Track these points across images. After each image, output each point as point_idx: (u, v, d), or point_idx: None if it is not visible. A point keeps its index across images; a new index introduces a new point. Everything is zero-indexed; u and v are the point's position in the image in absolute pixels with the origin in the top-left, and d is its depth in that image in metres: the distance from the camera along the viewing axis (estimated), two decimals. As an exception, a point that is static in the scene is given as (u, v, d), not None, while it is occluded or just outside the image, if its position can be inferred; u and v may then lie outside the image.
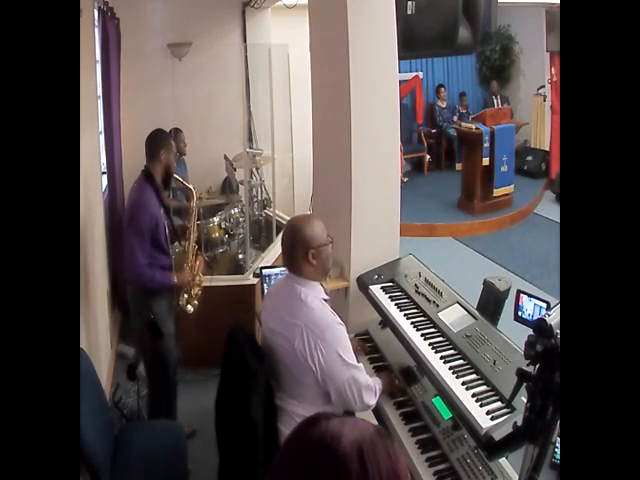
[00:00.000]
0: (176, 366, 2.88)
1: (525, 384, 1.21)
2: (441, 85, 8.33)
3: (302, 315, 1.84)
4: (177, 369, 2.91)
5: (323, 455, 0.81)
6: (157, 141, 2.67)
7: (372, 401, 1.93)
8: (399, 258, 2.69)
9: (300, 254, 1.89)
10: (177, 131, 4.57)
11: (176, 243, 2.98)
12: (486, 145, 6.20)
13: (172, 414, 2.83)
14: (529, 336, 1.18)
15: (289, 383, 1.90)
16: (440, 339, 2.08)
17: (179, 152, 4.34)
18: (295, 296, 1.89)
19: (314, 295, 1.89)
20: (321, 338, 1.79)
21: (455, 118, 8.00)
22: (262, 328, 2.06)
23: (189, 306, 2.80)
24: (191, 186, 2.91)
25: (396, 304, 2.35)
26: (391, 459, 0.83)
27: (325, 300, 1.93)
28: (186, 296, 2.79)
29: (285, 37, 4.72)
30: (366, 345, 2.44)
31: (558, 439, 1.75)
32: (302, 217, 2.05)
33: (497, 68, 8.46)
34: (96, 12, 3.72)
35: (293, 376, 1.87)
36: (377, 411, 2.11)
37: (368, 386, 1.90)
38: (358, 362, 1.92)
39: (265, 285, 2.78)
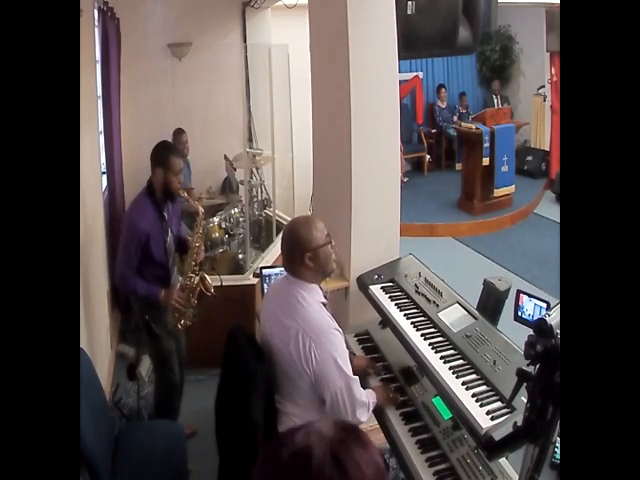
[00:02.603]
0: (181, 369, 2.86)
1: (525, 384, 1.21)
2: (441, 85, 8.33)
3: (298, 317, 1.82)
4: (183, 372, 2.89)
5: (299, 474, 0.77)
6: (154, 157, 2.60)
7: (364, 417, 1.90)
8: (399, 258, 2.69)
9: (297, 257, 1.87)
10: (179, 132, 4.56)
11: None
12: (486, 145, 6.19)
13: (174, 416, 2.82)
14: (529, 336, 1.18)
15: (286, 385, 1.89)
16: (440, 339, 2.08)
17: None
18: (292, 298, 1.87)
19: (312, 298, 1.87)
20: (316, 341, 1.78)
21: (455, 118, 8.00)
22: (260, 329, 2.05)
23: (179, 324, 2.73)
24: (199, 207, 2.77)
25: (396, 304, 2.35)
26: (367, 451, 0.80)
27: (323, 304, 1.92)
28: (177, 314, 2.71)
29: (285, 37, 4.72)
30: (378, 366, 2.31)
31: (558, 439, 1.75)
32: (300, 219, 2.01)
33: (497, 68, 8.46)
34: (96, 12, 3.72)
35: (289, 378, 1.86)
36: (377, 411, 2.10)
37: (362, 402, 1.87)
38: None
39: (265, 285, 2.77)
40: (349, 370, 1.83)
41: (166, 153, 2.60)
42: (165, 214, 2.64)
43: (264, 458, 0.83)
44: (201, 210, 2.79)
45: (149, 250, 2.56)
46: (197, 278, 2.73)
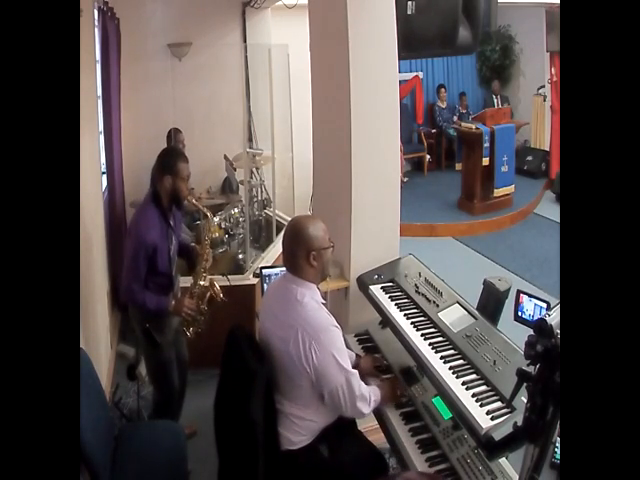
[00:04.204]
0: (184, 376, 2.83)
1: (525, 384, 1.21)
2: (442, 85, 8.32)
3: (297, 316, 1.83)
4: (185, 379, 2.86)
5: None
6: (163, 165, 2.49)
7: (366, 410, 1.92)
8: (399, 258, 2.69)
9: (302, 254, 1.88)
10: (176, 131, 4.57)
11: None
12: (486, 145, 6.19)
13: (175, 419, 2.81)
14: (529, 336, 1.18)
15: (285, 384, 1.89)
16: (440, 339, 2.08)
17: None
18: (291, 296, 1.88)
19: (310, 296, 1.88)
20: (315, 339, 1.78)
21: (455, 118, 8.00)
22: (259, 328, 2.06)
23: (189, 333, 2.70)
24: (208, 213, 2.72)
25: (396, 304, 2.35)
26: None
27: (322, 304, 1.92)
28: (187, 323, 2.68)
29: (285, 37, 4.73)
30: (380, 358, 2.35)
31: (558, 439, 1.75)
32: (306, 217, 2.04)
33: (497, 68, 8.46)
34: (96, 12, 3.72)
35: (288, 377, 1.86)
36: (377, 411, 2.11)
37: (362, 396, 1.88)
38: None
39: (265, 285, 2.77)
40: (348, 365, 1.85)
41: (174, 160, 2.50)
42: (171, 221, 2.57)
43: None
44: (210, 215, 2.73)
45: (154, 261, 2.49)
46: (206, 284, 2.69)
